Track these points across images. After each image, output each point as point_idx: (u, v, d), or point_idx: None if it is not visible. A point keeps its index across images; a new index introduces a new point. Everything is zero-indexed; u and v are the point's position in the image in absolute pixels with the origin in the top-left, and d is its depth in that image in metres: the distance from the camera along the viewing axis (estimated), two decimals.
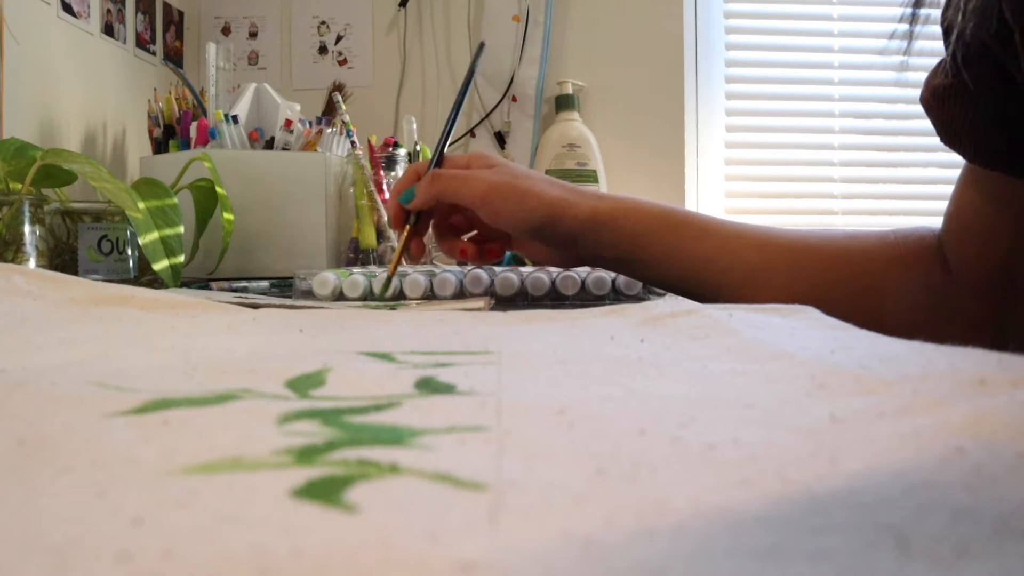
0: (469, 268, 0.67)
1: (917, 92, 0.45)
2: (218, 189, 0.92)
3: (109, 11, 1.23)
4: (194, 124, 1.05)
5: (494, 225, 0.54)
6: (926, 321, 0.48)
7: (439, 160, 0.58)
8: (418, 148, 1.16)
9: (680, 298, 0.52)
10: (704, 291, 0.51)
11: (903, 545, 0.11)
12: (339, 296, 0.65)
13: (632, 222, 0.52)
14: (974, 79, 0.40)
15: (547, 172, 1.34)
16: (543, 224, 0.53)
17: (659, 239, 0.52)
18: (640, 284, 0.65)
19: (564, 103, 1.42)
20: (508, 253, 0.56)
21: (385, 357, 0.28)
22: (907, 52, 0.41)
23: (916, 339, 0.30)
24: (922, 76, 0.45)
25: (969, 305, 0.47)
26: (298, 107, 1.13)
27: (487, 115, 1.46)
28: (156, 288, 0.76)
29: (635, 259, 0.53)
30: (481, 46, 0.61)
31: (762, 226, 0.53)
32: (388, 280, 0.55)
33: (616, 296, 0.66)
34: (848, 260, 0.50)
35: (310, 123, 1.10)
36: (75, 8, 1.14)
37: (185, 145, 1.07)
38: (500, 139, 1.46)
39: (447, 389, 0.22)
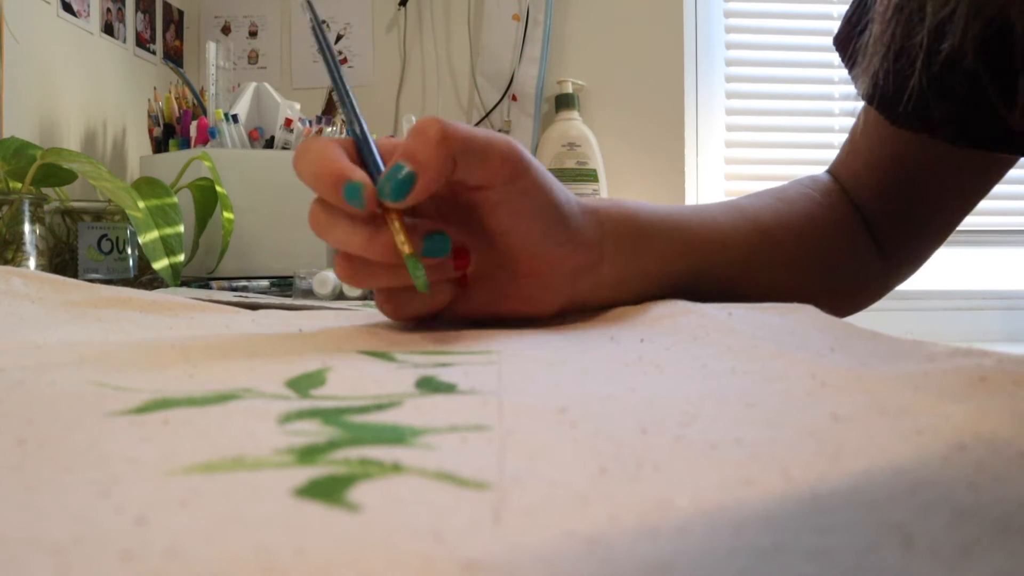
0: None
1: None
2: (218, 188, 0.92)
3: (109, 10, 1.23)
4: (194, 123, 1.05)
5: (503, 222, 0.36)
6: (857, 264, 0.51)
7: (362, 134, 0.35)
8: None
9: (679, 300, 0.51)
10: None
11: (908, 544, 0.11)
12: (339, 295, 0.65)
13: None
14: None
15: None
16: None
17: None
18: None
19: (564, 102, 1.42)
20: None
21: (385, 356, 0.28)
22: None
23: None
24: None
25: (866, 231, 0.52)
26: (298, 106, 1.13)
27: (487, 114, 1.46)
28: (156, 287, 0.76)
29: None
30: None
31: (717, 220, 0.46)
32: (417, 268, 0.32)
33: None
34: (812, 238, 0.49)
35: (310, 122, 1.10)
36: (75, 7, 1.14)
37: (185, 144, 1.07)
38: None
39: (448, 388, 0.22)
